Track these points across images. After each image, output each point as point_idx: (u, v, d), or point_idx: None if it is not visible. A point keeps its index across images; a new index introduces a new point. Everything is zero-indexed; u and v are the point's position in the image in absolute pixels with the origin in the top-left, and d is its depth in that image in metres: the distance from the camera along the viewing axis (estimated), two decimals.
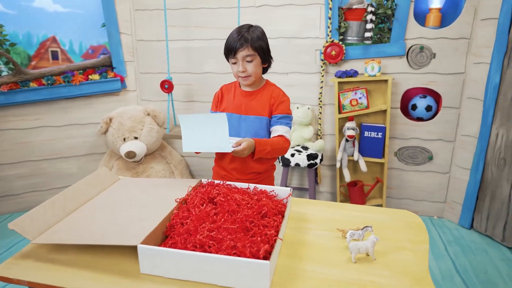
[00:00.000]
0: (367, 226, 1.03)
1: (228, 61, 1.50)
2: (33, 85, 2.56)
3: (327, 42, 2.45)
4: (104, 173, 1.35)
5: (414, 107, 2.51)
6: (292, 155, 2.44)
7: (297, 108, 2.56)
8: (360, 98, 2.45)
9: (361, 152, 2.53)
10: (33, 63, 2.65)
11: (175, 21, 2.64)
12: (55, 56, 2.75)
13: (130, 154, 2.47)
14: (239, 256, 0.87)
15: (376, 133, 2.47)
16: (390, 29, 2.41)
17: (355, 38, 2.49)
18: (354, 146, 2.52)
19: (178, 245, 0.92)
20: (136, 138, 2.55)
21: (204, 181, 1.29)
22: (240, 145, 1.32)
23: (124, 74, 2.77)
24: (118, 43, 2.71)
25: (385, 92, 2.45)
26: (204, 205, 1.07)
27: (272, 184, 1.62)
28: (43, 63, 2.69)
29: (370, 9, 2.33)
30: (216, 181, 1.25)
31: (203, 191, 1.16)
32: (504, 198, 2.27)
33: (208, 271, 0.86)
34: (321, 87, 2.55)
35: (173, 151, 2.84)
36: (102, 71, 2.70)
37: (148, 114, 2.62)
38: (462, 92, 2.40)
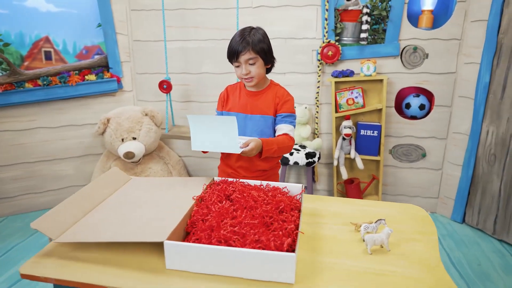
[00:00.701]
0: (380, 219, 1.08)
1: (231, 64, 1.53)
2: (28, 85, 2.52)
3: (323, 42, 2.50)
4: (116, 173, 1.35)
5: (408, 105, 2.58)
6: (291, 153, 2.48)
7: (295, 107, 2.60)
8: (356, 97, 2.51)
9: (358, 150, 2.59)
10: (25, 63, 2.61)
11: (172, 21, 2.64)
12: (48, 56, 2.71)
13: (129, 155, 2.46)
14: (263, 249, 0.90)
15: (372, 131, 2.53)
16: (384, 30, 2.48)
17: (350, 38, 2.55)
18: (350, 144, 2.58)
19: (202, 240, 0.95)
20: (134, 138, 2.55)
21: (217, 179, 1.31)
22: (248, 145, 1.35)
23: (120, 74, 2.76)
24: (114, 43, 2.70)
25: (380, 92, 2.51)
26: (224, 202, 1.09)
27: (277, 181, 1.65)
28: (36, 64, 2.65)
29: (365, 10, 2.39)
30: (230, 179, 1.28)
31: (219, 189, 1.19)
32: (495, 193, 2.36)
33: (235, 264, 0.89)
34: (318, 87, 2.60)
35: (170, 151, 2.85)
36: (98, 71, 2.68)
37: (146, 115, 2.62)
38: (453, 91, 2.49)
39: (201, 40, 2.68)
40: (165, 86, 2.52)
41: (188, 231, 1.03)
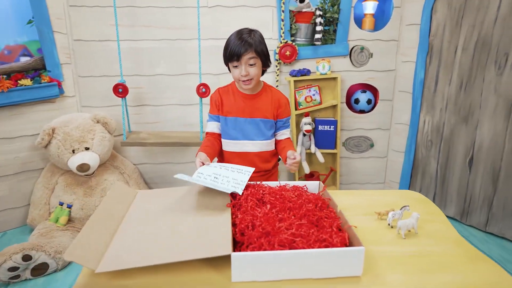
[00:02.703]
0: (404, 206, 1.18)
1: (227, 66, 1.50)
2: None
3: (281, 43, 2.57)
4: (121, 188, 1.22)
5: (357, 101, 2.82)
6: None
7: None
8: (313, 95, 2.65)
9: (316, 144, 2.74)
10: None
11: (120, 19, 2.43)
12: None
13: (84, 167, 2.22)
14: (329, 247, 0.92)
15: (329, 126, 2.70)
16: (334, 31, 2.65)
17: (303, 39, 2.67)
18: (310, 139, 2.71)
19: (264, 247, 0.92)
20: (87, 148, 2.29)
21: None
22: (295, 158, 1.44)
23: (60, 78, 2.45)
24: (51, 43, 2.38)
25: (334, 89, 2.69)
26: (268, 206, 1.08)
27: (277, 180, 1.68)
28: None
29: (318, 12, 2.53)
30: (252, 182, 1.26)
31: (249, 193, 1.16)
32: (432, 174, 2.73)
33: (304, 266, 0.89)
34: (277, 86, 2.67)
35: (125, 160, 2.63)
36: (34, 75, 2.34)
37: (98, 122, 2.38)
38: (394, 87, 2.80)
39: (154, 40, 2.53)
40: (120, 90, 2.32)
41: (238, 240, 0.99)
